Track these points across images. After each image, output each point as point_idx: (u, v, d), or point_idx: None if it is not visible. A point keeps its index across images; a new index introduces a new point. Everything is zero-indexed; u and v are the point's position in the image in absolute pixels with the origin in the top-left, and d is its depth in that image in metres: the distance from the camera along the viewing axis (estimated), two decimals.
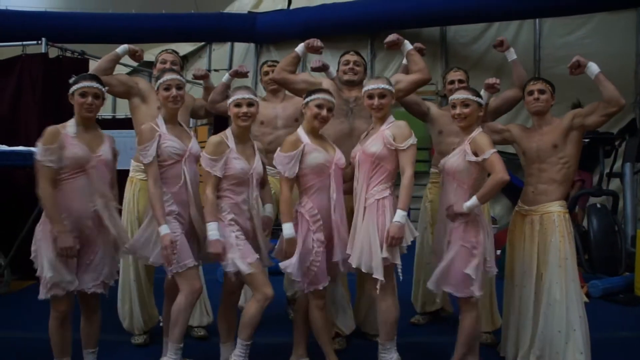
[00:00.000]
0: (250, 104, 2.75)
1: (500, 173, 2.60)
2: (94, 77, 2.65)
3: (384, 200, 2.70)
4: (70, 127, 2.59)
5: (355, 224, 2.75)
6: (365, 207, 2.72)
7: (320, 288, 2.76)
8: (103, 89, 2.63)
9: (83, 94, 2.58)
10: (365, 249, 2.66)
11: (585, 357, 2.71)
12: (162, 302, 3.03)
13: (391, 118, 2.83)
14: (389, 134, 2.72)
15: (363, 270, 2.67)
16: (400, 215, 2.64)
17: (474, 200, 2.63)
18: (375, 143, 2.75)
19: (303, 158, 2.72)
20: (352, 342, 3.38)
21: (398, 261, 2.68)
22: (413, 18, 7.29)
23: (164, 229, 2.63)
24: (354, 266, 2.70)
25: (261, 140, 3.32)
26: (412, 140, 2.72)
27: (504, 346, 3.06)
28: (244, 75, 3.58)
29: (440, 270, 2.74)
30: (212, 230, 2.63)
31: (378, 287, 2.67)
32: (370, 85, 2.82)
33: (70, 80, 2.63)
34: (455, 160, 2.75)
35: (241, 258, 2.62)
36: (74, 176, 2.54)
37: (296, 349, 2.95)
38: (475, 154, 2.68)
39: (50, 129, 2.53)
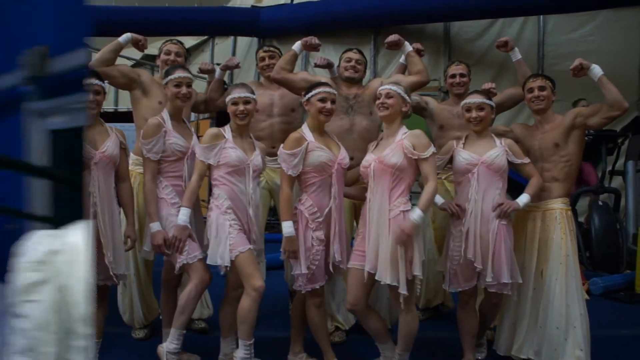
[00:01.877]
0: (246, 101, 2.76)
1: (539, 177, 2.86)
2: (92, 73, 2.62)
3: (408, 212, 2.63)
4: None
5: (377, 236, 2.64)
6: (389, 219, 2.62)
7: (317, 287, 2.75)
8: (102, 84, 2.61)
9: None
10: (394, 262, 2.57)
11: (585, 355, 2.71)
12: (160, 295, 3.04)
13: (404, 128, 2.75)
14: (408, 144, 2.64)
15: (391, 283, 2.57)
16: (417, 214, 2.56)
17: (527, 197, 2.79)
18: (395, 154, 2.65)
19: (306, 156, 2.70)
20: (351, 337, 3.38)
21: (419, 273, 2.61)
22: (417, 13, 7.26)
23: (155, 226, 2.71)
24: (383, 282, 2.60)
25: (254, 127, 3.24)
26: (433, 149, 2.67)
27: (497, 341, 3.05)
28: (234, 67, 3.59)
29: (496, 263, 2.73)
30: (183, 216, 2.68)
31: (402, 301, 2.61)
32: (381, 87, 2.80)
33: None
34: (501, 158, 2.78)
35: (230, 249, 2.62)
36: None
37: (293, 346, 2.95)
38: None
39: None
